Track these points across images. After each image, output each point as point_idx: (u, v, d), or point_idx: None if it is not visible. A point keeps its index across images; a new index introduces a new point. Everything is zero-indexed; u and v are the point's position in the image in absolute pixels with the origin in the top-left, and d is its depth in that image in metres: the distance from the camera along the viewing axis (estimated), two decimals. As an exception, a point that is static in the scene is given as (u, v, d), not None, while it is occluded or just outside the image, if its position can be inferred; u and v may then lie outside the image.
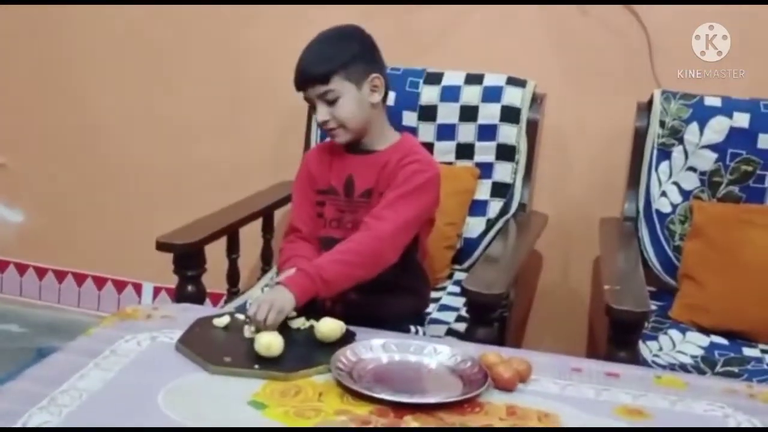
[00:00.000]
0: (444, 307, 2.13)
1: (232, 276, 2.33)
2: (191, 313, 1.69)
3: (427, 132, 2.40)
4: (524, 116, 2.35)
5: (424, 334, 1.88)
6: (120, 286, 3.17)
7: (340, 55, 1.75)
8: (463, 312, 2.02)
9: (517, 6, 2.54)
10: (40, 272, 3.26)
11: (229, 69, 2.87)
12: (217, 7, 2.81)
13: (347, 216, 1.82)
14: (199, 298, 2.06)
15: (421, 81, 2.40)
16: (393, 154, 1.79)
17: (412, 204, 1.73)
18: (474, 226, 2.36)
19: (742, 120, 2.22)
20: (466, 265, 2.34)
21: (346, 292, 1.71)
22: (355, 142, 1.82)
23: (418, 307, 1.94)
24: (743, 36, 2.33)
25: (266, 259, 2.51)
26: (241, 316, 1.63)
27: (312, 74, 1.75)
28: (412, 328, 1.86)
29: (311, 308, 1.66)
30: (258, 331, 1.54)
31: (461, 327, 1.96)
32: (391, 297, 1.78)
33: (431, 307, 2.10)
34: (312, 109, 1.79)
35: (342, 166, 1.84)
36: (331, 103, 1.75)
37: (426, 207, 1.78)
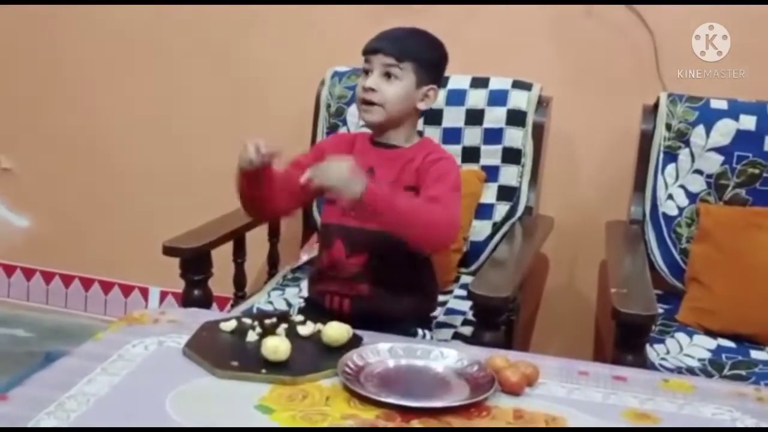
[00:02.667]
0: (450, 311, 2.13)
1: (239, 280, 2.33)
2: (198, 317, 1.69)
3: (432, 136, 2.38)
4: (530, 119, 2.35)
5: (432, 338, 1.88)
6: (127, 290, 3.18)
7: (424, 52, 1.79)
8: (470, 315, 2.02)
9: (522, 9, 2.55)
10: (47, 277, 3.26)
11: (235, 73, 2.88)
12: (222, 12, 2.82)
13: None
14: (205, 302, 2.06)
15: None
16: (418, 151, 1.79)
17: (457, 199, 1.73)
18: (480, 229, 2.35)
19: (748, 122, 2.21)
20: (472, 268, 2.34)
21: (358, 284, 1.70)
22: (380, 132, 1.82)
23: (425, 309, 1.93)
24: (745, 36, 2.33)
25: (273, 263, 2.51)
26: (248, 321, 1.64)
27: (394, 47, 1.76)
28: (420, 331, 1.85)
29: (319, 311, 1.66)
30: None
31: (468, 331, 1.96)
32: (400, 295, 1.78)
33: (438, 311, 2.10)
34: (366, 73, 1.77)
35: (363, 156, 1.80)
36: (389, 78, 1.75)
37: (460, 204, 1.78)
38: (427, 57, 1.79)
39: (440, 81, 1.87)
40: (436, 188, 1.71)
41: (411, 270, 1.77)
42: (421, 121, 2.37)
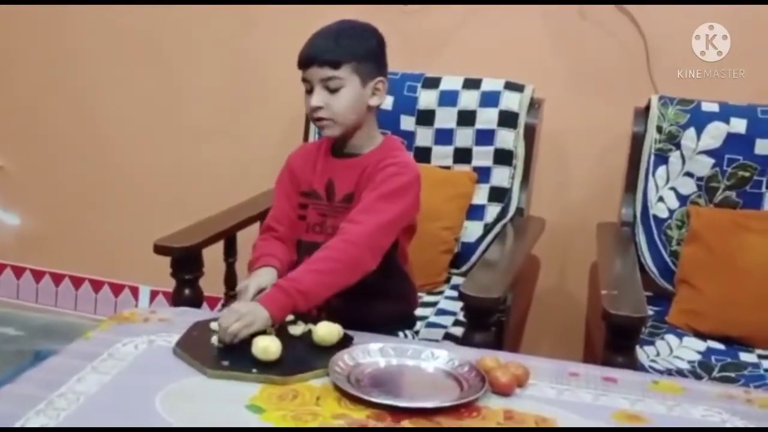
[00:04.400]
0: (441, 312, 2.13)
1: (230, 280, 2.32)
2: (188, 316, 1.69)
3: (424, 136, 2.40)
4: (522, 121, 2.35)
5: (414, 337, 1.88)
6: (117, 289, 3.17)
7: (357, 47, 1.72)
8: (461, 316, 2.02)
9: (515, 11, 2.55)
10: (37, 275, 3.25)
11: (228, 73, 2.88)
12: (220, 12, 2.82)
13: (329, 221, 1.78)
14: (196, 301, 2.06)
15: (419, 85, 2.41)
16: (372, 157, 1.76)
17: (389, 207, 1.68)
18: (471, 230, 2.36)
19: (739, 125, 2.22)
20: (463, 269, 2.34)
21: (329, 299, 1.67)
22: (341, 141, 1.78)
23: (404, 312, 1.92)
24: (743, 37, 2.34)
25: (264, 263, 2.51)
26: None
27: (325, 56, 1.69)
28: (401, 334, 1.85)
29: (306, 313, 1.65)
30: (221, 341, 1.53)
31: (459, 331, 1.96)
32: (374, 303, 1.74)
33: (429, 311, 2.10)
34: (308, 93, 1.73)
35: (324, 169, 1.80)
36: (332, 91, 1.70)
37: (404, 210, 1.72)
38: (362, 51, 1.72)
39: (385, 69, 1.77)
40: (370, 196, 1.68)
41: (381, 277, 1.70)
42: (413, 121, 2.39)
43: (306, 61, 1.72)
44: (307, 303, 1.61)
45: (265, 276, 1.73)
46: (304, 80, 1.73)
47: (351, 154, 1.79)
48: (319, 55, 1.70)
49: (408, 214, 1.75)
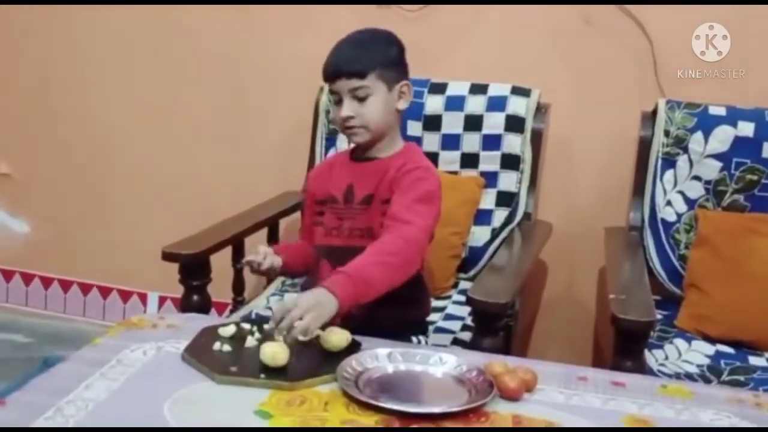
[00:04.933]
0: (449, 317, 2.13)
1: (238, 285, 2.33)
2: (197, 322, 1.69)
3: (431, 141, 2.40)
4: (529, 125, 2.35)
5: (426, 343, 1.88)
6: (125, 295, 3.18)
7: (381, 55, 1.75)
8: (469, 321, 2.02)
9: (521, 16, 2.55)
10: (46, 282, 3.26)
11: (235, 79, 2.88)
12: (224, 17, 2.83)
13: (346, 223, 1.79)
14: (204, 307, 2.06)
15: (426, 90, 2.41)
16: (394, 161, 1.77)
17: (427, 210, 1.70)
18: (479, 235, 2.36)
19: (746, 129, 2.22)
20: (471, 274, 2.34)
21: None
22: (364, 145, 1.80)
23: (418, 317, 1.92)
24: (744, 38, 2.34)
25: (272, 269, 2.51)
26: (246, 326, 1.63)
27: (351, 68, 1.72)
28: (414, 339, 1.85)
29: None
30: (285, 341, 1.48)
31: (467, 336, 1.97)
32: (389, 307, 1.71)
33: (437, 316, 2.10)
34: (337, 104, 1.76)
35: (343, 175, 1.82)
36: (361, 100, 1.73)
37: (437, 215, 1.75)
38: (386, 58, 1.75)
39: (407, 72, 1.81)
40: (408, 197, 1.69)
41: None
42: (420, 126, 2.39)
43: (333, 73, 1.75)
44: (368, 295, 1.57)
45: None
46: (332, 92, 1.77)
47: (373, 158, 1.81)
48: (345, 66, 1.73)
49: (438, 219, 1.78)
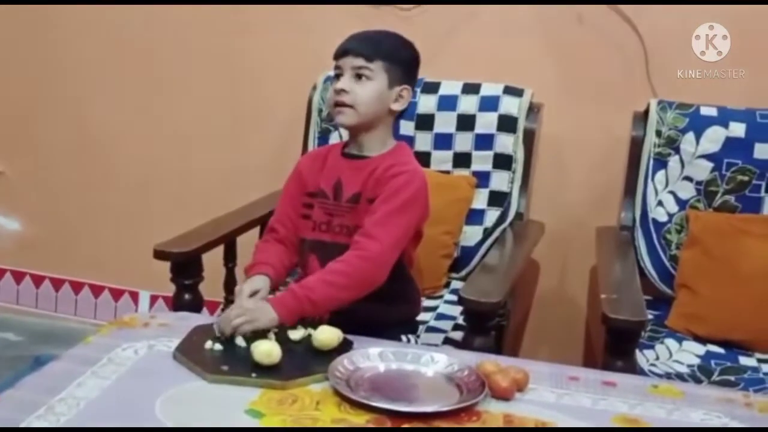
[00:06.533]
0: (441, 316, 2.13)
1: (229, 284, 2.32)
2: (188, 321, 1.69)
3: (424, 141, 2.40)
4: (521, 125, 2.36)
5: (416, 342, 1.88)
6: (117, 294, 3.17)
7: (392, 51, 1.79)
8: (460, 321, 2.02)
9: (514, 16, 2.56)
10: (37, 280, 3.25)
11: (227, 78, 2.88)
12: (216, 16, 2.82)
13: (336, 220, 1.80)
14: (196, 306, 2.06)
15: (419, 90, 2.41)
16: (383, 160, 1.78)
17: (402, 220, 1.72)
18: (471, 234, 2.36)
19: (738, 130, 2.22)
20: (463, 273, 2.35)
21: None
22: (353, 141, 1.82)
23: (408, 316, 1.93)
24: (743, 37, 2.34)
25: (263, 268, 2.51)
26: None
27: (360, 48, 1.76)
28: (404, 338, 1.85)
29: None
30: (221, 332, 1.58)
31: (458, 336, 1.96)
32: (379, 306, 1.75)
33: (428, 316, 2.10)
34: (337, 78, 1.78)
35: (333, 170, 1.83)
36: (360, 79, 1.75)
37: (415, 221, 1.77)
38: (397, 56, 1.79)
39: (414, 82, 1.85)
40: (384, 208, 1.71)
41: (387, 281, 1.72)
42: (412, 125, 2.39)
43: (342, 50, 1.79)
44: (314, 312, 1.66)
45: (259, 282, 1.77)
46: (336, 68, 1.80)
47: (362, 156, 1.81)
48: (356, 46, 1.78)
49: (419, 224, 1.80)
